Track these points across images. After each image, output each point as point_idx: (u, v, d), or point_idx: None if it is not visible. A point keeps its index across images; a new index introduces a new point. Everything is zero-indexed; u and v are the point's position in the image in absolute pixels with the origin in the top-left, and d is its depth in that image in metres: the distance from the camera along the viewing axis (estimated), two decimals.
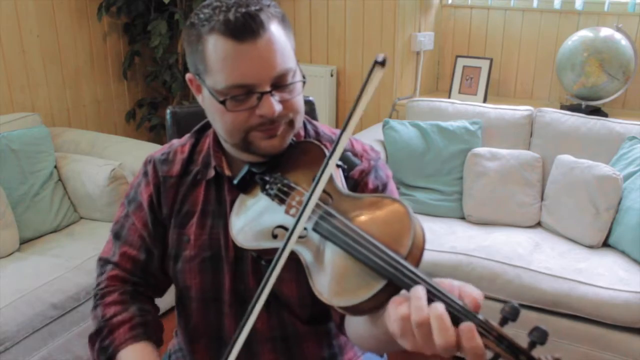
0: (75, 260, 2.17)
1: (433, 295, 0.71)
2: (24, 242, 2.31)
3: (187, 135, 1.16)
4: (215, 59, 0.93)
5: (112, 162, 2.46)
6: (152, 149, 2.63)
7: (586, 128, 2.47)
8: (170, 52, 3.24)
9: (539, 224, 2.48)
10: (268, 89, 0.93)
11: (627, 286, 1.97)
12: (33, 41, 2.86)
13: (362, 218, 0.85)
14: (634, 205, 2.15)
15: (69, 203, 2.50)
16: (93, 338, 1.08)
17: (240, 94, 0.93)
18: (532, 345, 0.67)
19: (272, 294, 1.05)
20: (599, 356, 2.00)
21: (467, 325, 0.67)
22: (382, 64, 0.80)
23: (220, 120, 0.98)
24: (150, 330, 1.08)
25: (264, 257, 0.97)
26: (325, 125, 1.16)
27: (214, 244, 1.07)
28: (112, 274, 1.12)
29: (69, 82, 3.09)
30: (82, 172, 2.47)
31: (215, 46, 0.92)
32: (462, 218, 2.55)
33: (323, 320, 1.12)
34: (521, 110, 2.62)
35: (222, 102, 0.94)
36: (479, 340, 0.66)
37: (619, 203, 2.22)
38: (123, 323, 1.06)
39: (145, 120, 3.44)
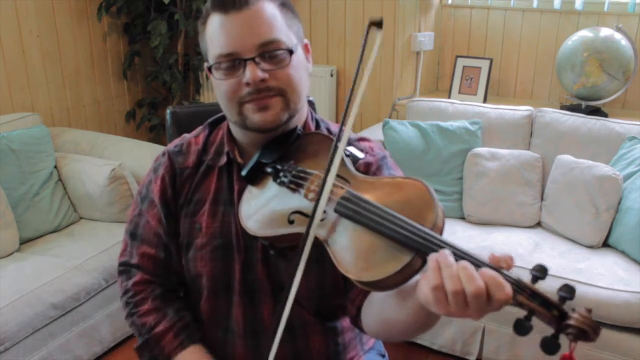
0: (75, 260, 2.17)
1: (461, 258, 0.75)
2: (24, 242, 2.31)
3: (199, 128, 1.17)
4: (209, 36, 1.01)
5: (112, 162, 2.45)
6: (152, 149, 2.65)
7: (586, 128, 2.47)
8: (170, 52, 3.24)
9: (538, 224, 2.47)
10: (251, 56, 0.96)
11: (627, 286, 1.97)
12: (33, 41, 2.86)
13: (384, 197, 0.86)
14: (634, 205, 2.15)
15: (69, 203, 2.50)
16: (141, 349, 1.11)
17: (227, 62, 0.97)
18: (563, 300, 0.72)
19: (280, 284, 1.05)
20: (598, 356, 2.00)
21: (489, 272, 0.71)
22: (379, 24, 0.81)
23: (219, 97, 1.02)
24: (192, 331, 1.11)
25: (277, 245, 0.96)
26: (336, 124, 1.15)
27: (225, 232, 1.07)
28: (137, 279, 1.14)
29: (69, 82, 3.09)
30: (82, 172, 2.47)
31: (210, 25, 1.00)
32: (462, 218, 2.55)
33: (329, 316, 1.12)
34: (521, 110, 2.62)
35: (209, 69, 1.00)
36: (508, 289, 0.71)
37: (619, 203, 2.22)
38: (167, 332, 1.09)
39: (145, 120, 3.44)
